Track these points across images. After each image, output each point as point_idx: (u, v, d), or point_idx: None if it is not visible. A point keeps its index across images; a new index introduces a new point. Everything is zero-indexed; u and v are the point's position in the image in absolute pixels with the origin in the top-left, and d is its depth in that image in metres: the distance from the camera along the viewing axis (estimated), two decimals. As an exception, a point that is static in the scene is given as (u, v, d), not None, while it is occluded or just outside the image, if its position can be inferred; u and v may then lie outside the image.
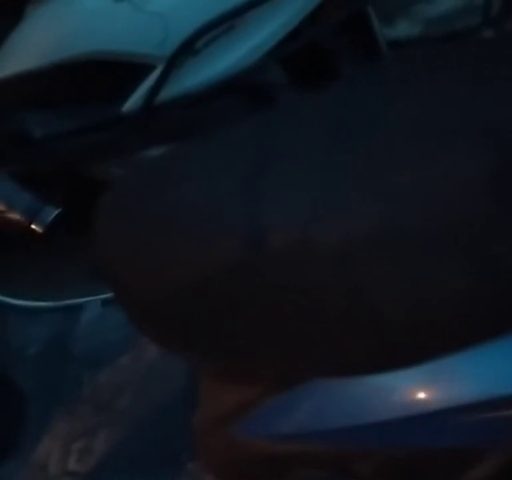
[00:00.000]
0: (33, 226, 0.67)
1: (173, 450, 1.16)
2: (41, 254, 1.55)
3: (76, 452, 1.23)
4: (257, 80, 1.45)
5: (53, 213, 0.67)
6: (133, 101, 1.37)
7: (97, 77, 1.38)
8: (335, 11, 1.50)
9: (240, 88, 1.45)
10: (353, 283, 0.68)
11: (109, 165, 1.49)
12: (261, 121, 0.79)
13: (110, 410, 1.26)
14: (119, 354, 1.31)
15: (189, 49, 1.32)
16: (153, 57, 1.34)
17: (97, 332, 1.36)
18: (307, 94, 0.84)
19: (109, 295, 1.43)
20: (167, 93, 1.37)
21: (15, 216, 0.66)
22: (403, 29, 1.62)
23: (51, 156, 1.40)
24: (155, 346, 1.31)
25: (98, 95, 1.41)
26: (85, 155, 1.47)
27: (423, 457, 0.73)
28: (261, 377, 0.79)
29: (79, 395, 1.28)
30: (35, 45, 1.33)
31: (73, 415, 1.25)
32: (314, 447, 0.78)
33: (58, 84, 1.37)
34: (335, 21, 1.53)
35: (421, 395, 0.71)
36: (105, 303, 1.41)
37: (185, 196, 0.74)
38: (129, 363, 1.30)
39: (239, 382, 0.81)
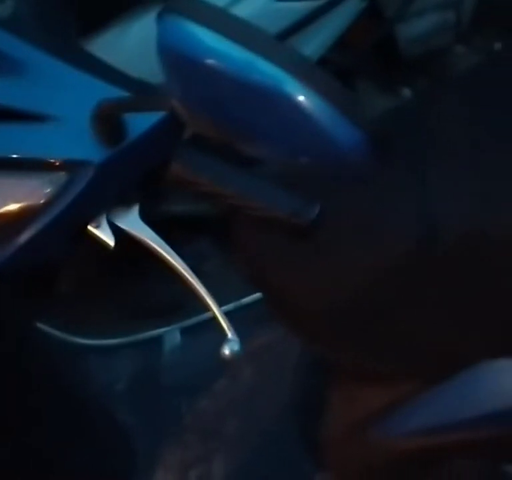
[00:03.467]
0: (296, 222, 0.67)
1: (294, 465, 1.15)
2: (110, 291, 1.54)
3: (194, 479, 1.21)
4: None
5: (316, 209, 0.67)
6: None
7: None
8: (361, 35, 1.54)
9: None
10: None
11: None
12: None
13: (219, 436, 1.24)
14: (212, 379, 1.30)
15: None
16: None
17: (183, 360, 1.36)
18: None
19: (185, 323, 1.43)
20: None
21: (277, 214, 0.67)
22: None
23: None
24: (248, 366, 1.30)
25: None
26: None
27: None
28: (418, 371, 0.79)
29: (181, 424, 1.27)
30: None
31: (182, 444, 1.24)
32: (474, 434, 0.78)
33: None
34: (361, 45, 1.57)
35: None
36: (183, 331, 1.40)
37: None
38: (225, 386, 1.29)
39: (388, 381, 0.81)
